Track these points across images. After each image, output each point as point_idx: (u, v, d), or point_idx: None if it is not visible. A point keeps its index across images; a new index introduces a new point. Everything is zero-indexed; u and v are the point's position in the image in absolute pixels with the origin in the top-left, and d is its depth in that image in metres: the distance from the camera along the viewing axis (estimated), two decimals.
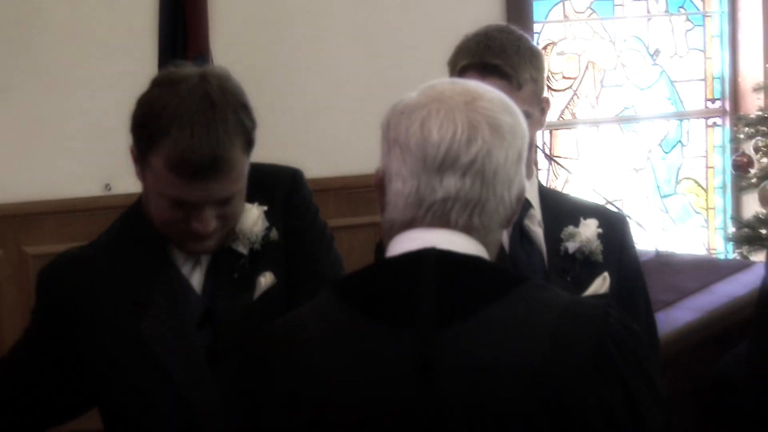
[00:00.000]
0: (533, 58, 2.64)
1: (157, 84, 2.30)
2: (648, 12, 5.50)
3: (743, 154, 5.04)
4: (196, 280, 2.38)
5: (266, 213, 2.41)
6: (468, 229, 1.71)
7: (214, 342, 2.34)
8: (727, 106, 5.55)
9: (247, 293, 2.38)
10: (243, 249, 2.39)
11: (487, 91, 1.77)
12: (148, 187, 2.30)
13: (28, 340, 2.43)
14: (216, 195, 2.26)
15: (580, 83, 5.46)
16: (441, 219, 1.70)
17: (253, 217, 2.39)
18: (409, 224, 1.72)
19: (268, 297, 2.39)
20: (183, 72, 2.28)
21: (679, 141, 5.62)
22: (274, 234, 2.41)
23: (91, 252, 2.40)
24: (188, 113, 2.21)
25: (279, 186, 2.45)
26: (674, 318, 3.55)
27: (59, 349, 2.34)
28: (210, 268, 2.38)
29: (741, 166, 5.02)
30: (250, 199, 2.38)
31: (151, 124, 2.23)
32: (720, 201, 5.62)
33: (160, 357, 2.31)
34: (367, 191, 4.67)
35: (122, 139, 4.38)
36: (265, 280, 2.40)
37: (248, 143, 2.27)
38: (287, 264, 2.44)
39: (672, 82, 5.58)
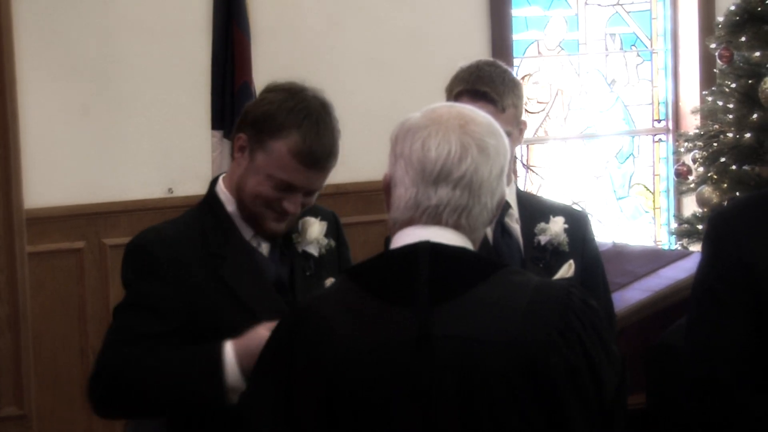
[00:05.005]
0: (515, 88, 2.62)
1: (276, 90, 2.28)
2: (606, 49, 5.48)
3: (683, 164, 5.01)
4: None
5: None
6: (456, 227, 1.69)
7: None
8: (670, 126, 5.52)
9: (316, 290, 2.35)
10: (314, 251, 2.38)
11: (477, 115, 1.74)
12: (256, 167, 2.24)
13: (130, 300, 2.29)
14: (315, 184, 2.27)
15: (551, 107, 5.44)
16: (434, 219, 1.69)
17: (320, 227, 2.39)
18: (408, 222, 1.70)
19: None
20: (297, 85, 2.29)
21: (632, 153, 5.59)
22: (332, 243, 2.42)
23: (166, 225, 2.36)
24: (315, 114, 2.23)
25: (328, 220, 2.44)
26: (627, 297, 3.53)
27: (157, 300, 2.23)
28: (272, 253, 2.34)
29: (682, 174, 4.99)
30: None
31: (281, 117, 2.21)
32: (665, 202, 5.60)
33: (240, 294, 2.26)
34: (379, 194, 4.67)
35: (182, 152, 4.44)
36: (331, 281, 2.39)
37: None
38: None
39: (625, 105, 5.55)
